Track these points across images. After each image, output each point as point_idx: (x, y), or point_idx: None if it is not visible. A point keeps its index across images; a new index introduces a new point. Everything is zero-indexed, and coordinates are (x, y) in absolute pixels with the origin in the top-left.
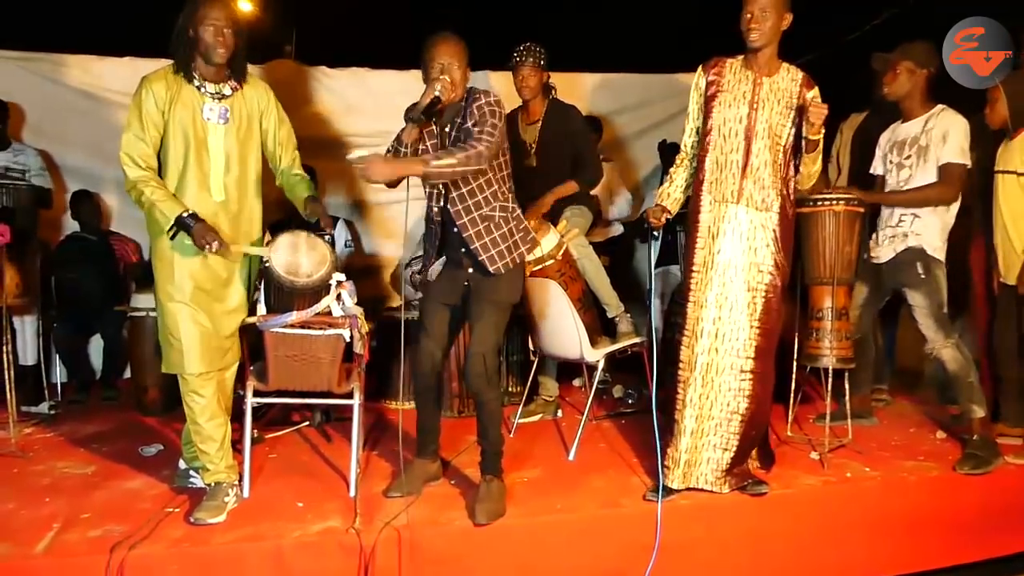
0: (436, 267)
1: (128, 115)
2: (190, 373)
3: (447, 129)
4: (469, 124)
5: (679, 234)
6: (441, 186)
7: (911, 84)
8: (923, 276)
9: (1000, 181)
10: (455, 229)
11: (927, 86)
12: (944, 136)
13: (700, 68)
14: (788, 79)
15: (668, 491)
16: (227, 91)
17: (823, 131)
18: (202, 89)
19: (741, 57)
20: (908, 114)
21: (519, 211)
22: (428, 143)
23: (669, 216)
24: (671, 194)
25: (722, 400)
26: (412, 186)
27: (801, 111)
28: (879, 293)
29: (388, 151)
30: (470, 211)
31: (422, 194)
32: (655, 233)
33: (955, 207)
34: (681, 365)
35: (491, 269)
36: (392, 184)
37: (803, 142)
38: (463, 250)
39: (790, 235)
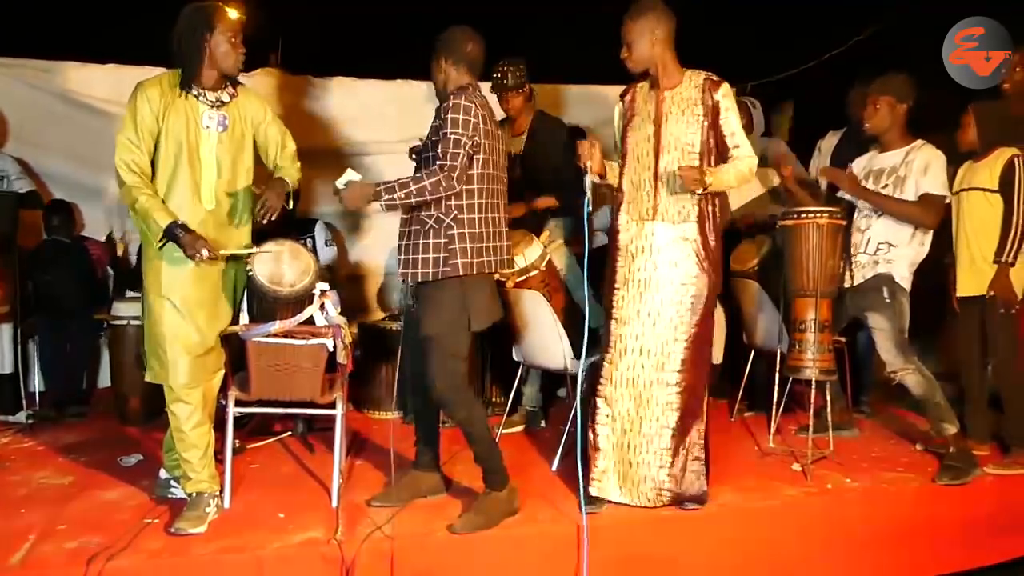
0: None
1: (123, 120)
2: (178, 385)
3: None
4: (435, 134)
5: None
6: None
7: (891, 118)
8: (888, 300)
9: (964, 199)
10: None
11: (906, 119)
12: (925, 168)
13: (619, 97)
14: (691, 86)
15: (599, 501)
16: (225, 98)
17: (707, 186)
18: (201, 97)
19: (649, 78)
20: (887, 146)
21: (490, 230)
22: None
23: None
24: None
25: (652, 414)
26: None
27: (714, 115)
28: (837, 317)
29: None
30: (407, 210)
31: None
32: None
33: (928, 242)
34: (602, 380)
35: (399, 273)
36: None
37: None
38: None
39: (715, 242)
